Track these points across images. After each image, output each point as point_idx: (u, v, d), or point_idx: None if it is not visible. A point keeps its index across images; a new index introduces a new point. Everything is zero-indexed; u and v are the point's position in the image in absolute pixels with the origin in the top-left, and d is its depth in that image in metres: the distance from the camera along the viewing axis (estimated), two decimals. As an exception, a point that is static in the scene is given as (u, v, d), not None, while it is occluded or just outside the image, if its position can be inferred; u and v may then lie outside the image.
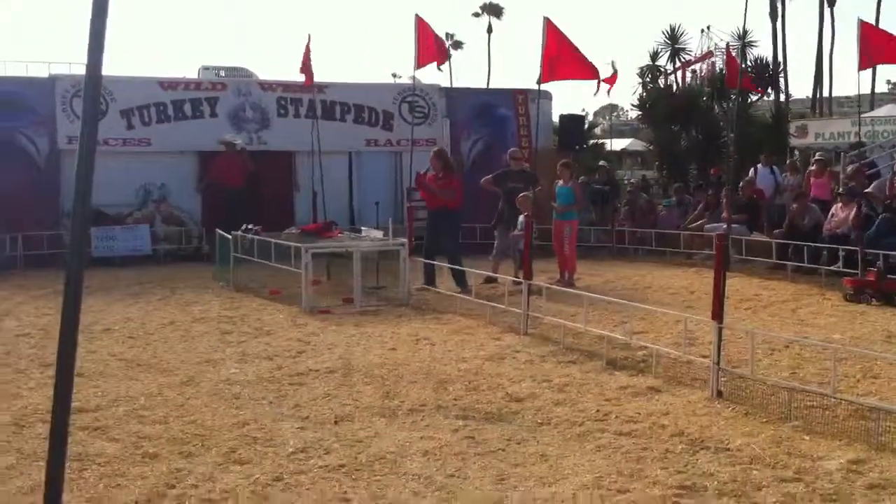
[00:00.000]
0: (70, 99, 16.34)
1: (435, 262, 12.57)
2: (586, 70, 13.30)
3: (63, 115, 16.39)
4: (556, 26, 12.97)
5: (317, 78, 17.18)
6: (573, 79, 13.42)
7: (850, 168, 17.12)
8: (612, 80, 23.66)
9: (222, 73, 28.29)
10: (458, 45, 62.01)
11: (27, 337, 9.35)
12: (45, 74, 18.42)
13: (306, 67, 16.81)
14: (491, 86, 21.77)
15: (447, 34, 53.05)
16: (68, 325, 3.18)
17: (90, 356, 8.24)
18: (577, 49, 13.01)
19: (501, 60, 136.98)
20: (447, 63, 19.88)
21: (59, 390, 3.21)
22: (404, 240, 12.00)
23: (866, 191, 14.65)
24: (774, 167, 18.37)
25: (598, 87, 14.25)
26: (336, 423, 6.24)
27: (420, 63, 16.99)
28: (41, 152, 16.47)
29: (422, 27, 16.83)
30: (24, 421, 6.24)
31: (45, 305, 10.99)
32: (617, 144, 38.86)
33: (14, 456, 5.50)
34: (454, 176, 13.27)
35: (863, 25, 16.68)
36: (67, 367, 3.20)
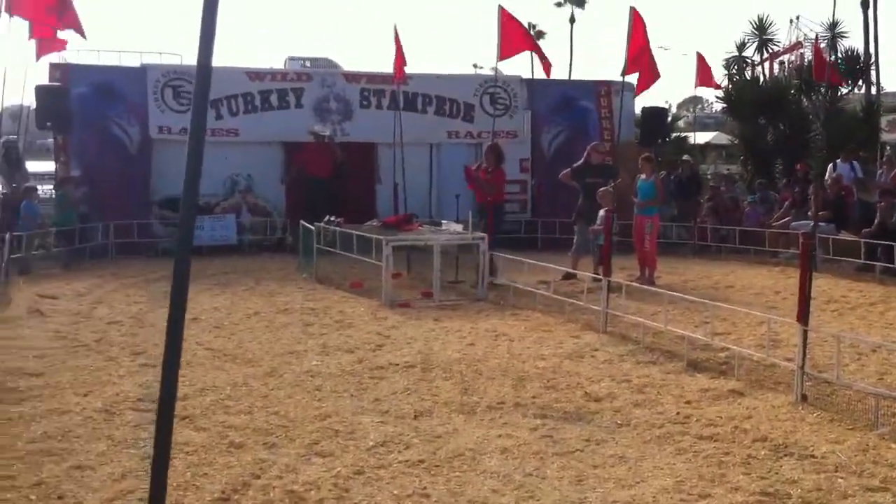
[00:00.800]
0: (161, 88, 16.72)
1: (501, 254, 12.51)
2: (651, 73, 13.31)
3: (154, 105, 16.76)
4: (641, 18, 12.84)
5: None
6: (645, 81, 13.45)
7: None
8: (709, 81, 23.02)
9: (307, 64, 28.70)
10: (540, 35, 61.66)
11: (118, 325, 9.65)
12: (136, 64, 18.86)
13: (400, 60, 16.75)
14: (573, 77, 21.38)
15: (529, 24, 52.76)
16: (176, 319, 3.27)
17: (178, 345, 8.46)
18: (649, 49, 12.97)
19: (584, 51, 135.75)
20: (529, 54, 19.56)
21: (165, 382, 3.31)
22: (484, 234, 12.01)
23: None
24: (855, 163, 17.81)
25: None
26: (415, 417, 6.32)
27: (502, 55, 16.90)
28: (133, 141, 16.86)
29: (505, 18, 16.74)
30: (114, 408, 6.45)
31: (135, 294, 11.31)
32: (701, 138, 38.09)
33: (105, 443, 5.69)
34: (501, 171, 13.47)
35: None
36: (174, 357, 3.30)
